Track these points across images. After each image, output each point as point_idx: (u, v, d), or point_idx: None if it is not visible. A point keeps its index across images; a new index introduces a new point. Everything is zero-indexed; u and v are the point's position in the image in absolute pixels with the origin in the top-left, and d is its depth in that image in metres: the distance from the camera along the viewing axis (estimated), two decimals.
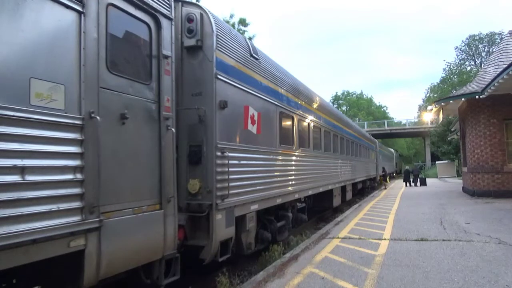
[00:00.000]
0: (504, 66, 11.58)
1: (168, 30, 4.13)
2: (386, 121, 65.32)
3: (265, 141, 6.33)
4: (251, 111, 5.74)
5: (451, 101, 15.83)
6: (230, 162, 4.99)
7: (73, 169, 2.90)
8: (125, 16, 3.61)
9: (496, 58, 16.19)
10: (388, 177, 33.69)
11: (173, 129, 4.09)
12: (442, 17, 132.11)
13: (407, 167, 31.95)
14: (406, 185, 26.38)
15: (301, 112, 8.48)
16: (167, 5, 4.14)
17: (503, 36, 22.79)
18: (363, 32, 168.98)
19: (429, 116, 37.63)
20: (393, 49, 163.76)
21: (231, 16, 28.11)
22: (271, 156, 6.56)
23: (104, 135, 3.20)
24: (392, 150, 49.19)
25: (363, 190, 20.13)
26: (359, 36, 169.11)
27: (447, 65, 56.59)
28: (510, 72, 10.54)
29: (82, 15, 3.06)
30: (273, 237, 6.86)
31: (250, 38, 27.17)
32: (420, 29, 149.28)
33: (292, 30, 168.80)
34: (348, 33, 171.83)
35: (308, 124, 9.02)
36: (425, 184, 26.17)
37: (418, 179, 26.80)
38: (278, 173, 6.82)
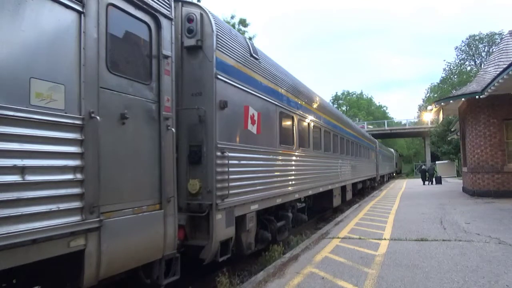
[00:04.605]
0: (504, 66, 11.58)
1: (168, 30, 4.13)
2: (386, 121, 65.28)
3: (265, 141, 6.33)
4: (251, 111, 5.74)
5: (451, 101, 15.84)
6: (230, 162, 4.99)
7: (73, 169, 2.90)
8: (125, 16, 3.60)
9: (496, 58, 16.20)
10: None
11: (173, 129, 4.09)
12: (438, 18, 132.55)
13: (423, 167, 32.95)
14: (424, 184, 27.78)
15: (301, 112, 8.48)
16: (167, 5, 4.14)
17: (503, 36, 22.76)
18: (362, 32, 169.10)
19: (429, 116, 37.65)
20: (392, 49, 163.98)
21: (232, 17, 28.14)
22: (271, 156, 6.55)
23: (104, 135, 3.20)
24: (392, 150, 49.19)
25: (363, 190, 20.13)
26: (358, 37, 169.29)
27: (447, 65, 56.64)
28: (510, 72, 10.54)
29: (82, 15, 3.06)
30: (273, 237, 6.86)
31: (250, 38, 27.16)
32: (418, 30, 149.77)
33: (290, 30, 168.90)
34: (347, 34, 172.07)
35: (308, 124, 9.02)
36: (440, 183, 27.04)
37: (434, 178, 27.94)
38: (278, 173, 6.81)
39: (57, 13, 2.87)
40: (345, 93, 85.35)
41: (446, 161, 40.62)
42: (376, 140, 27.95)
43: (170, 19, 4.17)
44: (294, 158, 7.85)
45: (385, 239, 7.18)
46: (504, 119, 14.56)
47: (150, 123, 3.85)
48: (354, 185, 15.86)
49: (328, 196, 11.24)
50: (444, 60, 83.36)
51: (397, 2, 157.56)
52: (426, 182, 28.28)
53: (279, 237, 7.23)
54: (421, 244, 6.67)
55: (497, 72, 12.27)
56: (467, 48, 56.29)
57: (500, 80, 11.28)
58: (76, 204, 2.90)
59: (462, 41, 57.79)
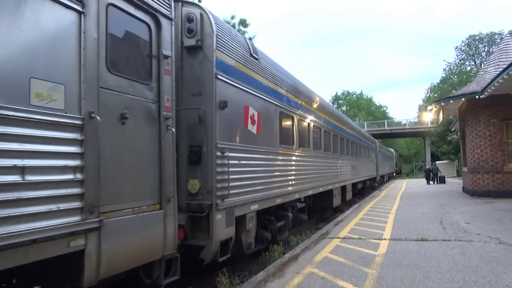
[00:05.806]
0: (504, 66, 11.58)
1: (168, 30, 4.13)
2: (386, 121, 65.26)
3: (265, 141, 6.33)
4: (251, 111, 5.74)
5: (451, 101, 15.83)
6: (230, 162, 4.99)
7: (73, 169, 2.90)
8: (125, 16, 3.60)
9: (496, 58, 16.19)
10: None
11: (173, 129, 4.09)
12: (438, 18, 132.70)
13: (427, 167, 33.40)
14: (428, 183, 28.32)
15: (301, 112, 8.47)
16: (167, 5, 4.14)
17: (503, 36, 22.78)
18: (362, 32, 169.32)
19: (429, 116, 37.66)
20: (392, 49, 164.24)
21: (232, 17, 28.15)
22: (271, 156, 6.55)
23: (104, 135, 3.20)
24: (392, 150, 49.18)
25: (363, 190, 20.13)
26: (358, 37, 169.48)
27: (447, 65, 56.63)
28: (510, 72, 10.53)
29: (82, 15, 3.05)
30: (273, 237, 6.86)
31: (250, 39, 27.15)
32: (418, 30, 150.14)
33: (290, 30, 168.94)
34: (347, 34, 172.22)
35: (308, 124, 9.02)
36: (444, 182, 27.58)
37: (438, 178, 28.49)
38: (278, 173, 6.81)
39: (57, 13, 2.87)
40: (345, 93, 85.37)
41: (446, 161, 40.62)
42: (376, 140, 27.96)
43: (170, 19, 4.17)
44: (294, 158, 7.84)
45: (385, 239, 7.18)
46: (504, 119, 14.56)
47: (150, 123, 3.84)
48: (354, 185, 15.86)
49: (328, 196, 11.24)
50: (444, 60, 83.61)
51: (397, 2, 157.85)
52: (431, 182, 28.66)
53: (279, 237, 7.23)
54: (421, 244, 6.67)
55: (497, 72, 12.27)
56: (467, 48, 56.32)
57: (500, 80, 11.27)
58: (76, 204, 2.90)
59: (462, 41, 57.94)
